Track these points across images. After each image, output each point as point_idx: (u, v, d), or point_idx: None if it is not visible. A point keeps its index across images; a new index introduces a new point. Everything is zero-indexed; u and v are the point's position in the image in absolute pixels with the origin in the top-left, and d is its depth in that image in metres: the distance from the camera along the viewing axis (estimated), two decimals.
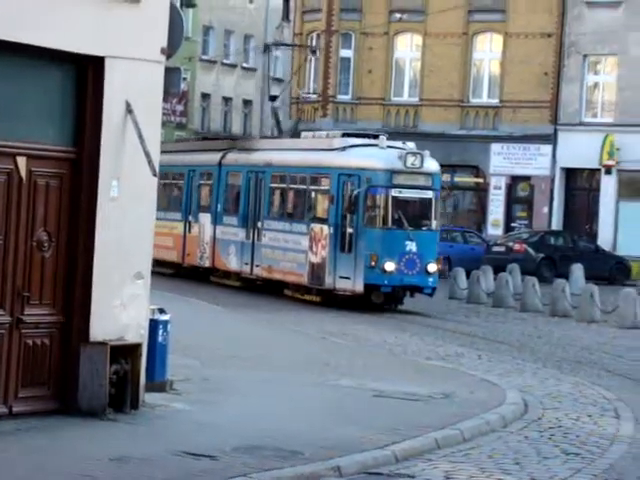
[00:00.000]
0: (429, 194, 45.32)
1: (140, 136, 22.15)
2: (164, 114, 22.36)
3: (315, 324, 40.90)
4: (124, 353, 22.26)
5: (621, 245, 72.45)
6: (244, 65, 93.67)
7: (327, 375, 28.47)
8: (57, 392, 21.66)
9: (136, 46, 22.30)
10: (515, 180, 74.99)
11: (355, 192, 42.57)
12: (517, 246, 67.94)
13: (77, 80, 21.89)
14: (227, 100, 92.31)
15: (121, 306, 22.34)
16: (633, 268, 67.63)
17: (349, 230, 41.97)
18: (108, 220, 22.01)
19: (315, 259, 43.47)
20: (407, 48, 76.48)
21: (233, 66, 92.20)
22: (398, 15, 72.92)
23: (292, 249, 45.18)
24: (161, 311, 24.74)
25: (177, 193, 56.57)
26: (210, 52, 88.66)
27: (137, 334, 22.65)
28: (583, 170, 74.49)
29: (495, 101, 71.26)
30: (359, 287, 41.25)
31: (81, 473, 17.58)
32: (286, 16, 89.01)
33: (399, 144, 49.71)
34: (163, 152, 58.65)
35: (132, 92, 22.23)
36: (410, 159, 44.47)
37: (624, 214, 72.65)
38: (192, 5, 64.56)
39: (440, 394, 26.36)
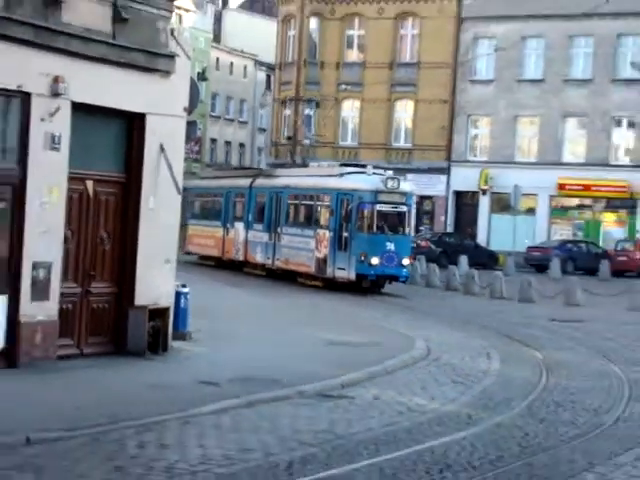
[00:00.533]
0: (404, 208, 44.28)
1: (169, 167, 22.41)
2: (185, 152, 22.12)
3: (308, 299, 40.06)
4: (158, 314, 22.59)
5: (492, 243, 72.80)
6: (239, 119, 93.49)
7: (302, 330, 28.44)
8: (113, 340, 21.96)
9: (167, 106, 22.47)
10: (422, 199, 74.77)
11: (349, 207, 42.13)
12: (423, 243, 67.87)
13: (127, 129, 22.05)
14: (228, 143, 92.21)
15: (156, 281, 22.51)
16: (500, 258, 67.93)
17: (345, 234, 41.85)
18: (147, 224, 22.20)
19: (320, 255, 43.10)
20: (350, 109, 75.59)
21: (232, 120, 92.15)
22: (344, 86, 72.99)
23: (303, 248, 44.74)
24: (183, 285, 24.73)
25: (218, 207, 55.72)
26: (217, 110, 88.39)
27: (167, 301, 22.92)
28: (468, 192, 74.53)
29: (409, 145, 71.18)
30: (352, 276, 41.11)
31: (130, 394, 17.87)
32: (268, 87, 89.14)
33: (381, 171, 48.24)
34: (208, 178, 63.55)
35: (164, 137, 22.40)
36: (390, 182, 43.63)
37: (494, 222, 73.14)
38: (205, 79, 64.66)
39: (371, 342, 26.43)
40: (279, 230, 47.13)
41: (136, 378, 19.65)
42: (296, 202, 47.52)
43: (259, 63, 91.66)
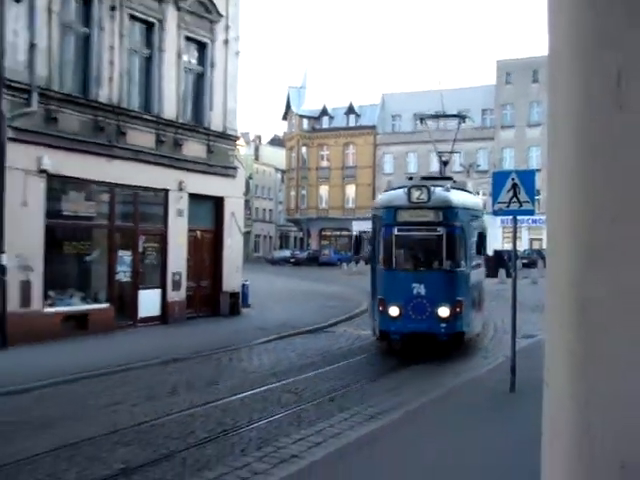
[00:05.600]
0: (439, 230, 14.53)
1: (237, 223, 22.38)
2: (244, 215, 22.29)
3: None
4: (233, 295, 22.26)
5: None
6: (269, 197, 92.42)
7: (320, 301, 28.22)
8: (212, 308, 21.69)
9: (234, 193, 22.46)
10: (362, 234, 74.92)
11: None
12: None
13: (215, 205, 21.97)
14: (264, 209, 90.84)
15: (232, 279, 22.43)
16: None
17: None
18: (227, 251, 22.11)
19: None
20: (324, 190, 72.92)
21: (265, 198, 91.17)
22: (320, 179, 72.44)
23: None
24: (246, 280, 23.85)
25: None
26: (257, 193, 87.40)
27: (238, 288, 22.69)
28: None
29: (353, 206, 69.87)
30: (377, 332, 14.91)
31: (222, 334, 17.86)
32: (282, 181, 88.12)
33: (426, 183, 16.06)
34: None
35: (234, 208, 22.38)
36: (415, 193, 14.46)
37: None
38: (251, 178, 64.11)
39: (341, 305, 26.06)
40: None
41: (224, 327, 19.60)
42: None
43: (277, 169, 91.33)
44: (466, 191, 17.21)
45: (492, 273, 29.82)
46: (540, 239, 60.24)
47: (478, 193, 32.84)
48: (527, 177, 10.92)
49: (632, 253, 1.09)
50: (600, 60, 1.06)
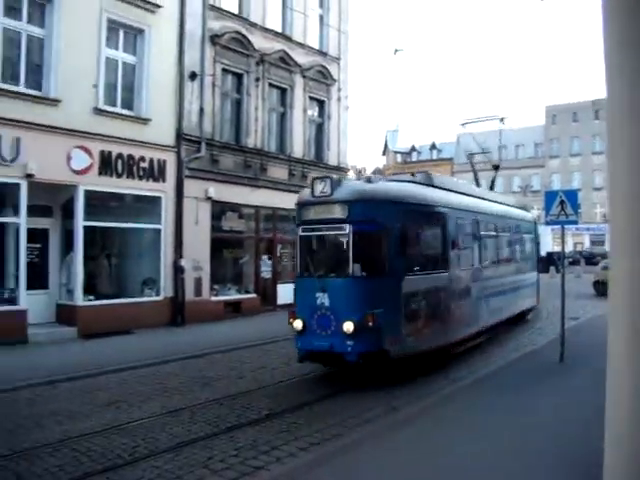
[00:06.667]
0: (344, 229, 8.29)
1: None
2: None
3: None
4: None
5: None
6: None
7: None
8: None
9: None
10: None
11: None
12: None
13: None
14: None
15: None
16: None
17: None
18: None
19: None
20: None
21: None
22: None
23: None
24: None
25: None
26: None
27: None
28: None
29: None
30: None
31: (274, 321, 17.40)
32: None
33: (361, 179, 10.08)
34: None
35: None
36: (319, 186, 8.56)
37: None
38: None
39: None
40: None
41: None
42: None
43: None
44: (433, 186, 10.38)
45: (544, 270, 28.75)
46: (582, 243, 57.80)
47: (533, 207, 30.80)
48: (571, 195, 10.53)
49: None
50: None
